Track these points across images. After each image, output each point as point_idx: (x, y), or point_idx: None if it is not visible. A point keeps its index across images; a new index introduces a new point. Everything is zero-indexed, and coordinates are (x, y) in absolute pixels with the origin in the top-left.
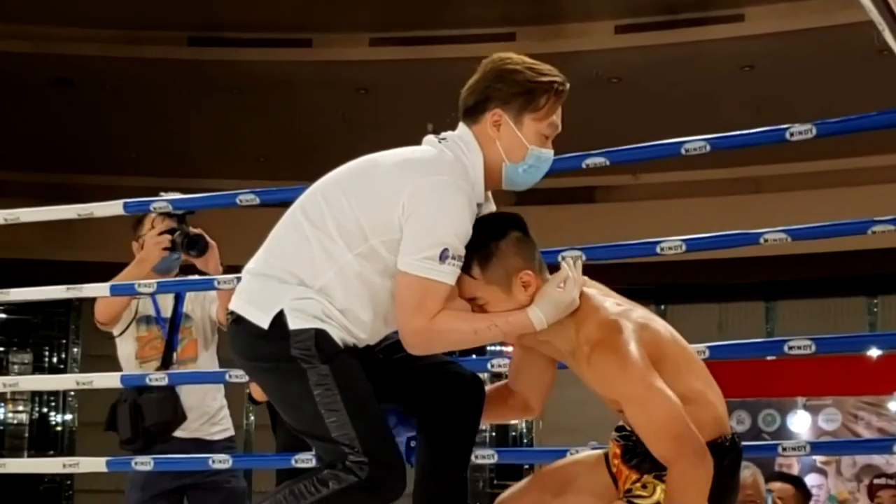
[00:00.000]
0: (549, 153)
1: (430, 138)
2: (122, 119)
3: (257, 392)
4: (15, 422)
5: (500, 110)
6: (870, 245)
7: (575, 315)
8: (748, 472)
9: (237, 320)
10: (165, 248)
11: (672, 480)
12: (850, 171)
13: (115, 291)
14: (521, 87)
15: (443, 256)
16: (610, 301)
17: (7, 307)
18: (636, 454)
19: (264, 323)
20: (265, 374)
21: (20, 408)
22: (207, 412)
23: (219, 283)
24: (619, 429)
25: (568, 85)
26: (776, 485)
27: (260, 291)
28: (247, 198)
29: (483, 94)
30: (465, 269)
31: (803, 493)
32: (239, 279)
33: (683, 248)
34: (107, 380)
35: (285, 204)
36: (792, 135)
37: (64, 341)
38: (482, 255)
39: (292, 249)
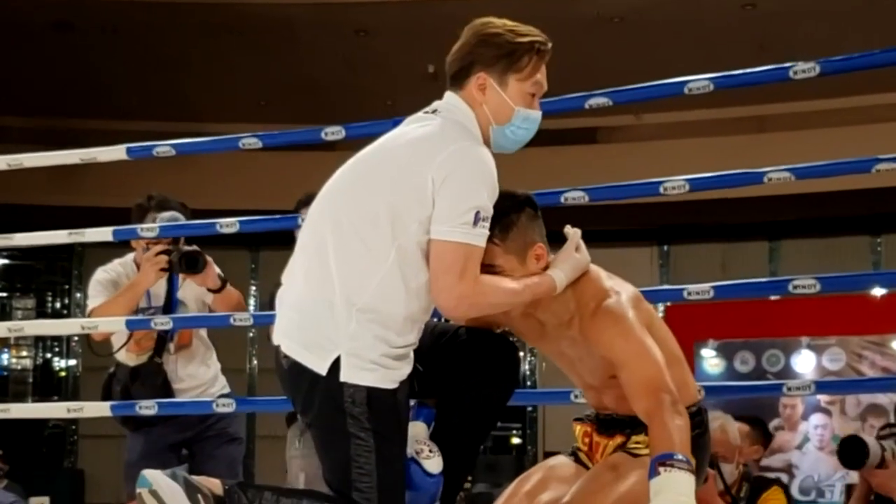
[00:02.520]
0: (536, 113)
1: (418, 115)
2: (123, 63)
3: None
4: (19, 367)
5: (484, 73)
6: (874, 184)
7: (573, 283)
8: (716, 425)
9: (293, 366)
10: (162, 269)
11: (655, 432)
12: (855, 109)
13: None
14: (503, 48)
15: (476, 219)
16: (603, 273)
17: (10, 253)
18: (613, 424)
19: (322, 369)
20: (315, 416)
21: (24, 353)
22: (204, 384)
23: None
24: (580, 418)
25: (550, 44)
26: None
27: (308, 330)
28: (250, 141)
29: (466, 60)
30: (489, 236)
31: (760, 432)
32: (240, 223)
33: (687, 187)
34: (111, 324)
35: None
36: (795, 73)
37: (67, 287)
38: (504, 224)
39: (332, 267)
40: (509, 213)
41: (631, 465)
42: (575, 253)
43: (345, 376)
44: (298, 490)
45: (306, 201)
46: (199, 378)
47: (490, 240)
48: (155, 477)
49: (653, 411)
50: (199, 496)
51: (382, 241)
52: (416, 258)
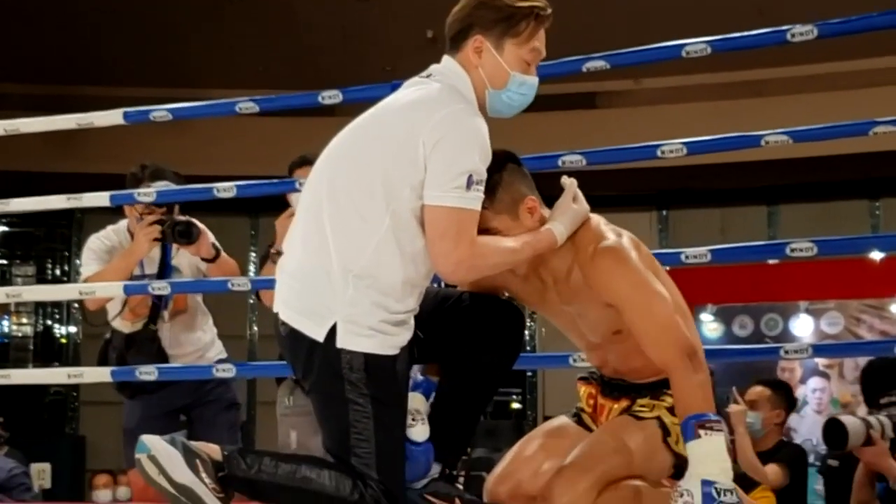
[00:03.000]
0: (532, 79)
1: (413, 80)
2: (122, 29)
3: (268, 298)
4: (20, 334)
5: (481, 36)
6: (872, 147)
7: (580, 232)
8: None
9: (291, 333)
10: (156, 239)
11: (680, 389)
12: (853, 73)
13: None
14: (502, 12)
15: (469, 183)
16: (602, 220)
17: (9, 220)
18: (618, 387)
19: (319, 336)
20: (314, 382)
21: (24, 320)
22: (199, 350)
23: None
24: (586, 377)
25: (550, 10)
26: (754, 388)
27: (307, 298)
28: (246, 106)
29: (465, 22)
30: None
31: (782, 396)
32: (237, 187)
33: (684, 151)
34: (108, 289)
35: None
36: (793, 36)
37: (66, 253)
38: (489, 186)
39: (328, 234)
40: (491, 173)
41: (634, 429)
42: (573, 204)
43: (342, 342)
44: (298, 456)
45: (300, 163)
46: (195, 344)
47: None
48: (153, 442)
49: (674, 364)
50: (198, 461)
51: (377, 207)
52: (410, 224)
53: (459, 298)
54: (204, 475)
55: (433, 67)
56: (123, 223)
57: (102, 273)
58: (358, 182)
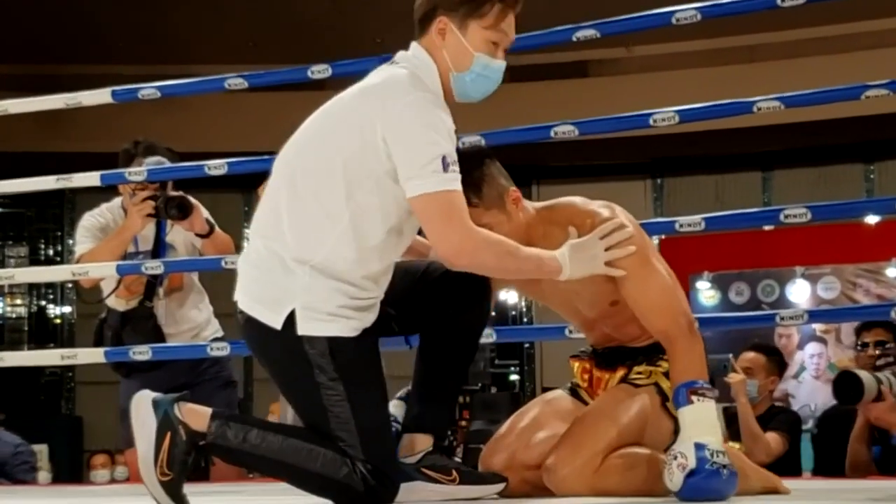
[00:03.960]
0: (498, 62)
1: (381, 67)
2: (109, 5)
3: None
4: (14, 315)
5: (446, 17)
6: (866, 111)
7: (569, 216)
8: None
9: (248, 321)
10: (149, 215)
11: (678, 358)
12: (845, 36)
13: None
14: None
15: (444, 165)
16: (587, 200)
17: (1, 201)
18: (613, 358)
19: (276, 324)
20: (277, 370)
21: (18, 301)
22: (193, 327)
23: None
24: (577, 355)
25: None
26: (748, 355)
27: (264, 285)
28: (235, 82)
29: (430, 4)
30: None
31: (776, 362)
32: (229, 164)
33: (677, 119)
34: (102, 269)
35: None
36: (783, 0)
37: (59, 233)
38: (473, 184)
39: (285, 224)
40: (473, 170)
41: (633, 397)
42: (595, 249)
43: (302, 329)
44: (286, 428)
45: None
46: (191, 321)
47: (469, 203)
48: (140, 402)
49: (673, 334)
50: (169, 434)
51: (337, 200)
52: (372, 217)
53: (427, 269)
54: (162, 458)
55: (400, 54)
56: (118, 200)
57: (95, 251)
58: (317, 173)
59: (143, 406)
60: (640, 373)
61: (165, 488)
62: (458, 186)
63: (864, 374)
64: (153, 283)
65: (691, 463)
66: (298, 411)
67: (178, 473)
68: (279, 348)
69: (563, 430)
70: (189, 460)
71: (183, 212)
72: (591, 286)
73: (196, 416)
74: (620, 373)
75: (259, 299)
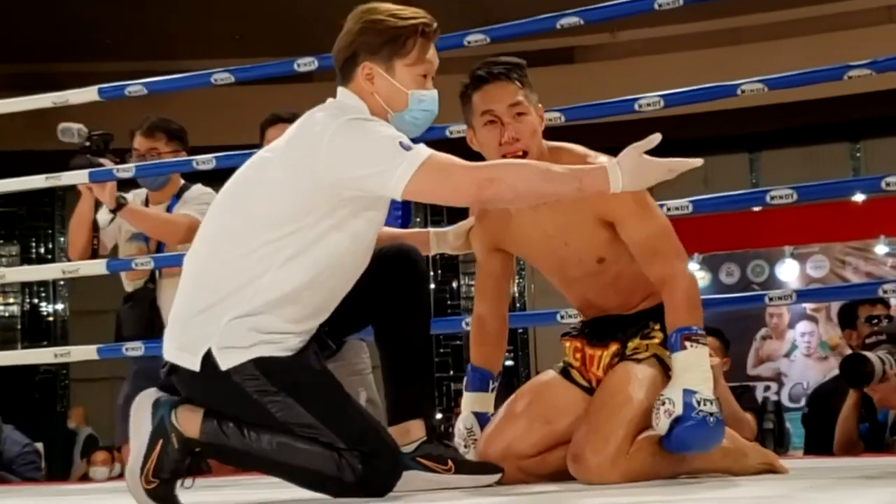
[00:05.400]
0: (431, 93)
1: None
2: (95, 3)
3: None
4: (7, 314)
5: (370, 62)
6: (850, 90)
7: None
8: None
9: (171, 368)
10: (88, 187)
11: (675, 303)
12: (828, 17)
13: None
14: (386, 35)
15: (404, 146)
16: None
17: None
18: (603, 332)
19: (195, 366)
20: (221, 408)
21: (11, 300)
22: None
23: (197, 163)
24: (569, 333)
25: (436, 24)
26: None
27: (187, 333)
28: (222, 77)
29: (350, 50)
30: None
31: (725, 344)
32: (217, 159)
33: (661, 104)
34: (93, 267)
35: (265, 81)
36: None
37: (50, 231)
38: (517, 65)
39: (208, 271)
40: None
41: (640, 373)
42: (645, 155)
43: (224, 365)
44: (278, 425)
45: (272, 121)
46: None
47: (511, 80)
48: (142, 402)
49: (672, 270)
50: (161, 442)
51: (256, 251)
52: (294, 265)
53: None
54: (149, 467)
55: (326, 102)
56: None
57: (70, 239)
58: (237, 231)
59: (143, 407)
60: (636, 348)
61: (149, 494)
62: (430, 151)
63: (871, 356)
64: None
65: (678, 409)
66: (263, 434)
67: (167, 480)
68: (208, 388)
69: (558, 419)
70: (182, 466)
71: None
72: (582, 233)
73: (192, 421)
74: (613, 348)
75: (180, 346)
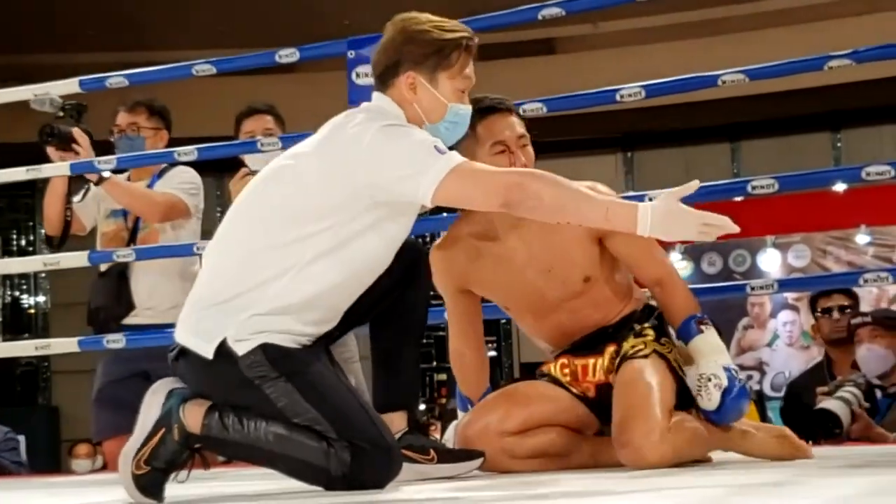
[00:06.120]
0: (466, 108)
1: (338, 118)
2: None
3: None
4: None
5: (413, 72)
6: (831, 80)
7: None
8: None
9: (181, 351)
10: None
11: (674, 298)
12: (809, 7)
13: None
14: (432, 46)
15: (439, 149)
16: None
17: None
18: (591, 343)
19: (209, 353)
20: (221, 398)
21: None
22: (166, 301)
23: (179, 154)
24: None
25: (476, 39)
26: None
27: (203, 321)
28: (203, 68)
29: (393, 59)
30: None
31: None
32: (198, 150)
33: (643, 94)
34: (74, 259)
35: (242, 72)
36: None
37: (31, 223)
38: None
39: (231, 265)
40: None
41: (652, 364)
42: (691, 218)
43: (235, 351)
44: (274, 413)
45: (248, 113)
46: (160, 294)
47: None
48: (157, 389)
49: (667, 272)
50: (162, 430)
51: (283, 253)
52: (326, 262)
53: None
54: (144, 452)
55: (363, 105)
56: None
57: (45, 209)
58: (265, 225)
59: (158, 392)
60: (635, 346)
61: (136, 480)
62: (461, 158)
63: (836, 406)
64: (133, 239)
65: (725, 382)
66: (265, 422)
67: (159, 469)
68: (217, 376)
69: (538, 402)
70: (178, 459)
71: (50, 137)
72: (570, 254)
73: (195, 415)
74: (611, 349)
75: (194, 332)
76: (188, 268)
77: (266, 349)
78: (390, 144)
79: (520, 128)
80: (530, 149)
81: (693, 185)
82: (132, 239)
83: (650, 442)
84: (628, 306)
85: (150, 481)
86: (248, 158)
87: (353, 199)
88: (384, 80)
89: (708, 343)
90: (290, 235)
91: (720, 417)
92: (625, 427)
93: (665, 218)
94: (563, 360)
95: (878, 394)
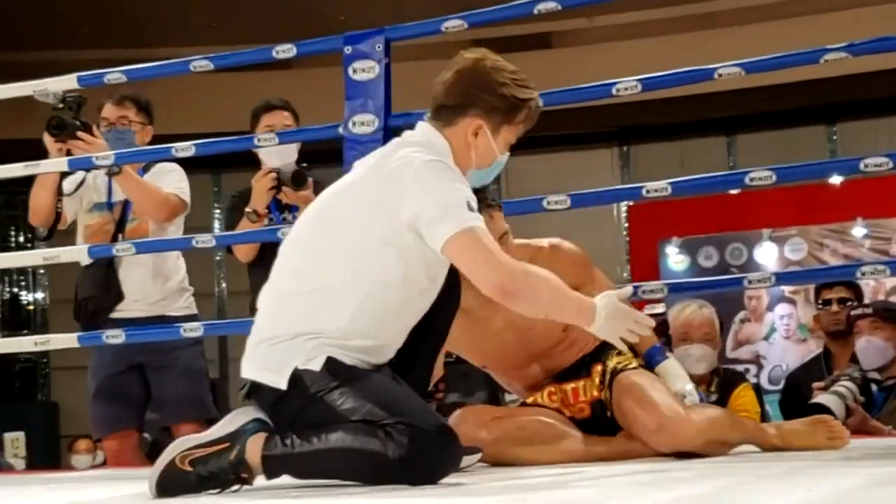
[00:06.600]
0: (505, 157)
1: (395, 146)
2: None
3: (241, 252)
4: None
5: (482, 120)
6: (827, 73)
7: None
8: (707, 311)
9: (254, 386)
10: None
11: None
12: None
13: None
14: (507, 102)
15: (469, 206)
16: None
17: None
18: (575, 370)
19: (282, 384)
20: (295, 422)
21: None
22: (156, 293)
23: (176, 150)
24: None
25: (542, 103)
26: None
27: (272, 357)
28: (200, 64)
29: (464, 99)
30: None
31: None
32: (196, 146)
33: (639, 88)
34: (74, 253)
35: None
36: None
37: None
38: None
39: (298, 307)
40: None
41: (647, 374)
42: (628, 321)
43: (306, 378)
44: (325, 426)
45: (265, 108)
46: (154, 270)
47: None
48: (245, 412)
49: None
50: (227, 444)
51: (347, 279)
52: (384, 291)
53: None
54: (197, 452)
55: (416, 137)
56: None
57: (31, 200)
58: (330, 256)
59: (245, 414)
60: (621, 362)
61: (162, 474)
62: (479, 223)
63: (830, 400)
64: (120, 230)
65: (696, 398)
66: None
67: (197, 476)
68: (291, 405)
69: (523, 393)
70: (222, 478)
71: (61, 131)
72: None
73: (256, 446)
74: (598, 369)
75: (265, 367)
76: (164, 263)
77: (329, 363)
78: (430, 181)
79: None
80: None
81: (627, 291)
82: (119, 231)
83: (678, 415)
84: None
85: (179, 481)
86: (262, 154)
87: (403, 236)
88: (446, 116)
89: (675, 366)
90: (346, 273)
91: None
92: (649, 414)
93: (608, 318)
94: (550, 389)
95: (874, 388)
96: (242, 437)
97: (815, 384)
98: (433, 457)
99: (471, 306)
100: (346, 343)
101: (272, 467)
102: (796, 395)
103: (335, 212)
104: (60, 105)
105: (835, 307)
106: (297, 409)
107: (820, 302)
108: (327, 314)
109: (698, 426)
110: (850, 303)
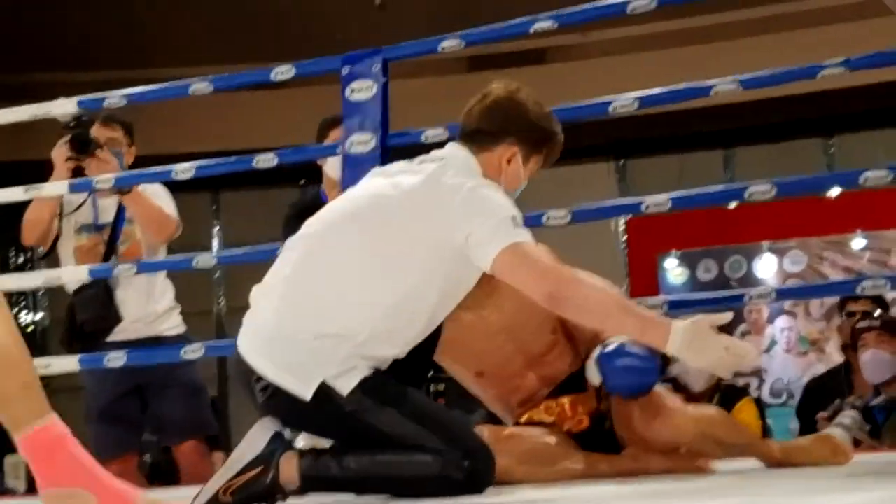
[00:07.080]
0: (524, 185)
1: (426, 164)
2: (72, 13)
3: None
4: None
5: (517, 148)
6: (824, 86)
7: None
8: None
9: (272, 388)
10: (68, 159)
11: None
12: (801, 13)
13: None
14: (541, 133)
15: (515, 223)
16: None
17: None
18: (570, 384)
19: (306, 395)
20: (322, 433)
21: None
22: (152, 314)
23: (176, 172)
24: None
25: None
26: None
27: (292, 355)
28: (200, 87)
29: (501, 127)
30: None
31: None
32: (196, 168)
33: (636, 105)
34: (75, 273)
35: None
36: None
37: None
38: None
39: (319, 302)
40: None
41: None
42: (718, 347)
43: (340, 390)
44: (370, 444)
45: (332, 123)
46: (147, 291)
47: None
48: (264, 427)
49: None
50: (261, 468)
51: (382, 286)
52: (414, 307)
53: None
54: (235, 482)
55: (438, 154)
56: None
57: (32, 207)
58: (363, 260)
59: (265, 430)
60: None
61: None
62: (525, 237)
63: (837, 433)
64: (111, 252)
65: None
66: (367, 454)
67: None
68: (313, 413)
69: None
70: (260, 500)
71: (85, 149)
72: (536, 314)
73: (290, 466)
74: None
75: (285, 367)
76: (155, 284)
77: (362, 385)
78: (477, 201)
79: None
80: None
81: (727, 317)
82: (112, 253)
83: (675, 404)
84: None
85: None
86: (327, 167)
87: (442, 250)
88: (481, 141)
89: None
90: (376, 276)
91: (613, 382)
92: (645, 403)
93: (692, 342)
94: (550, 404)
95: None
96: (273, 458)
97: (820, 414)
98: (487, 473)
99: (467, 303)
100: (365, 351)
101: (311, 487)
102: (815, 402)
103: (374, 218)
104: (72, 123)
105: (859, 318)
106: (323, 423)
107: (844, 313)
108: (356, 317)
109: (694, 416)
110: (852, 316)
